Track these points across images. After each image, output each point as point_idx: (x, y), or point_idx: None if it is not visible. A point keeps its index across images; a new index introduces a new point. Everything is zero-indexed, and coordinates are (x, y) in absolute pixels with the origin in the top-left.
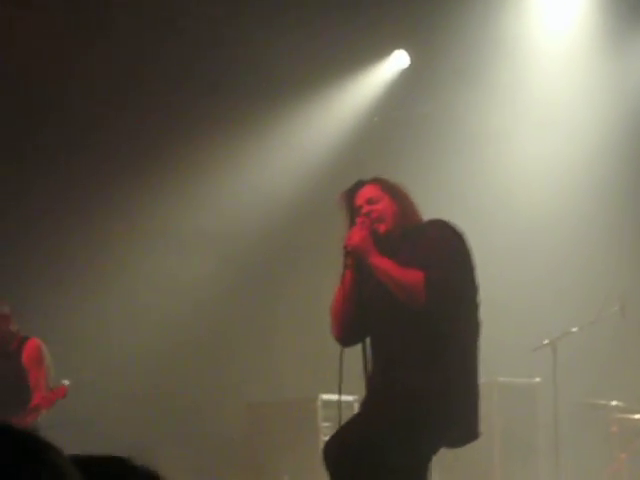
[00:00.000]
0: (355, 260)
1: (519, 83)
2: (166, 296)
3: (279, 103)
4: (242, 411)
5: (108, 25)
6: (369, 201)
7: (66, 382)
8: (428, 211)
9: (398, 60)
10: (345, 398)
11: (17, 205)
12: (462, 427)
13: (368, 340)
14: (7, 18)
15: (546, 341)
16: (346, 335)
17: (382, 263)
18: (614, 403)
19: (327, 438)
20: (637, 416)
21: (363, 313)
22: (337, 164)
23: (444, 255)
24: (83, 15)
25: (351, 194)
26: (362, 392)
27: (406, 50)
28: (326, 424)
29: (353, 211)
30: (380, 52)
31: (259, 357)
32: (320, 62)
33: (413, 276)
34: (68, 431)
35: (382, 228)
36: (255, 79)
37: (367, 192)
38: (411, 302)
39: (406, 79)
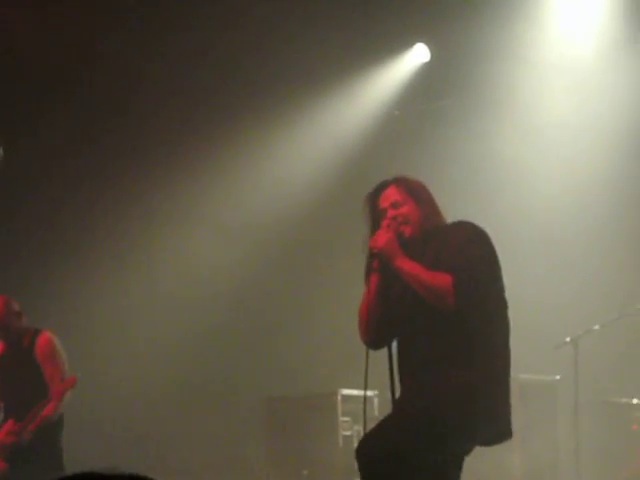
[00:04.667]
0: (381, 263)
1: (539, 77)
2: (186, 289)
3: (300, 96)
4: (261, 405)
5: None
6: (394, 205)
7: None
8: (448, 205)
9: (418, 54)
10: (367, 393)
11: (36, 193)
12: (497, 426)
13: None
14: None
15: (568, 339)
16: (375, 339)
17: (409, 266)
18: (635, 401)
19: (347, 433)
20: None
21: (391, 316)
22: (358, 157)
23: (471, 257)
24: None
25: (375, 196)
26: (381, 387)
27: (426, 44)
28: (345, 419)
29: (378, 214)
30: (401, 46)
31: (277, 352)
32: (340, 55)
33: (441, 279)
34: (83, 423)
35: (408, 231)
36: (278, 72)
37: (391, 195)
38: (440, 305)
39: (427, 73)
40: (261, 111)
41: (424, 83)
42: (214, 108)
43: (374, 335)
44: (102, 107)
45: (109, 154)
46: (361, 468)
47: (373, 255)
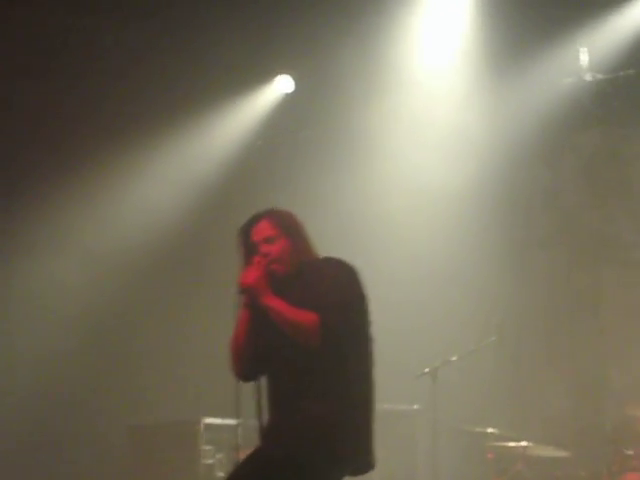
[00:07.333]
0: (250, 299)
1: (404, 106)
2: (47, 314)
3: (165, 125)
4: (123, 433)
5: None
6: (266, 240)
7: None
8: (310, 233)
9: (282, 85)
10: (230, 422)
11: None
12: (358, 458)
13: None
14: None
15: (426, 369)
16: (244, 372)
17: (275, 304)
18: (490, 430)
19: (208, 461)
20: (512, 444)
21: (259, 351)
22: (220, 186)
23: (338, 297)
24: None
25: (247, 229)
26: (244, 416)
27: (291, 75)
28: (207, 447)
29: (249, 247)
30: (264, 77)
31: (140, 380)
32: (203, 85)
33: (307, 318)
34: None
35: (279, 269)
36: (143, 100)
37: (263, 230)
38: (305, 343)
39: (290, 103)
40: (125, 140)
41: (288, 114)
42: (79, 135)
43: (242, 368)
44: None
45: None
46: None
47: (242, 291)
